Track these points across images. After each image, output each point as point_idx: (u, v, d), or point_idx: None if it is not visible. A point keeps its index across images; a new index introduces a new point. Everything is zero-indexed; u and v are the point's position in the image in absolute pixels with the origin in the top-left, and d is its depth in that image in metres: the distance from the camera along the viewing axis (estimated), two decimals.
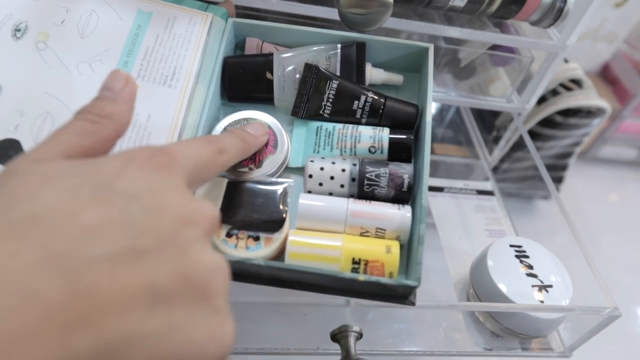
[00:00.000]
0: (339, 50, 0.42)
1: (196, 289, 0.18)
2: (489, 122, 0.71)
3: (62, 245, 0.16)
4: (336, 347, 0.39)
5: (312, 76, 0.40)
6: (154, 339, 0.17)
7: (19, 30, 0.35)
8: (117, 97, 0.24)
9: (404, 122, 0.41)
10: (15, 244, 0.16)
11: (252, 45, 0.43)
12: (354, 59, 0.42)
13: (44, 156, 0.20)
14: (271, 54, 0.41)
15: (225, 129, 0.39)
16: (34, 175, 0.19)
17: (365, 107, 0.40)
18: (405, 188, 0.37)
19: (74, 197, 0.18)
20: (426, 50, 0.43)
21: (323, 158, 0.38)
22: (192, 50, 0.39)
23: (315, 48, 0.42)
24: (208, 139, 0.26)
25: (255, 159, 0.37)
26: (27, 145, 0.32)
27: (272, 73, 0.41)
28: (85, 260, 0.16)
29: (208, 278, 0.19)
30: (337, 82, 0.40)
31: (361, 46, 0.42)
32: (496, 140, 0.69)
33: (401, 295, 0.33)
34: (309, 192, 0.38)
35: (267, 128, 0.37)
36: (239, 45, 0.44)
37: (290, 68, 0.41)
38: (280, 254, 0.36)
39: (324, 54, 0.41)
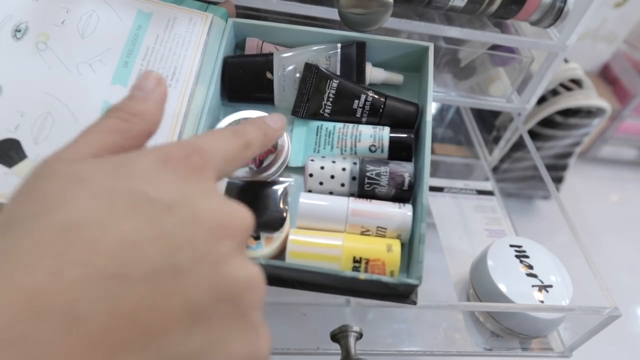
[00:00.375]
0: (339, 50, 0.42)
1: (232, 304, 0.18)
2: (489, 122, 0.71)
3: (102, 263, 0.15)
4: (336, 347, 0.39)
5: (312, 76, 0.40)
6: (193, 359, 0.16)
7: (19, 30, 0.35)
8: (148, 97, 0.23)
9: (404, 121, 0.41)
10: (55, 261, 0.15)
11: (252, 45, 0.43)
12: (354, 58, 0.42)
13: (75, 155, 0.20)
14: (271, 54, 0.41)
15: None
16: (66, 178, 0.18)
17: (366, 107, 0.40)
18: (405, 187, 0.37)
19: (109, 205, 0.17)
20: (426, 49, 0.43)
21: (323, 157, 0.38)
22: (192, 50, 0.39)
23: (315, 48, 0.42)
24: (234, 131, 0.25)
25: (255, 158, 0.37)
26: (27, 145, 0.32)
27: (272, 73, 0.41)
28: (126, 280, 0.15)
29: (243, 293, 0.18)
30: (337, 82, 0.40)
31: (361, 46, 0.42)
32: (496, 140, 0.69)
33: (402, 294, 0.33)
34: (310, 191, 0.38)
35: (285, 120, 0.36)
36: (239, 45, 0.44)
37: (290, 68, 0.41)
38: (280, 253, 0.36)
39: (324, 54, 0.42)
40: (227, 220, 0.19)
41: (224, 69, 0.41)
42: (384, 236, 0.36)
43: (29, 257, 0.15)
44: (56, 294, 0.14)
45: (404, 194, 0.37)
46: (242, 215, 0.20)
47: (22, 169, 0.31)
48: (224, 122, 0.39)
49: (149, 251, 0.16)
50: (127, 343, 0.15)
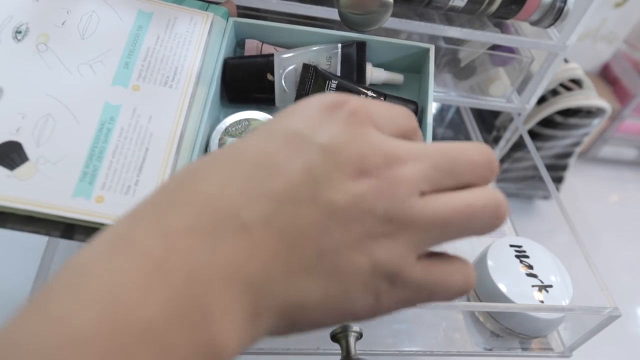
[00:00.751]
0: (339, 50, 0.42)
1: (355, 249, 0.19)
2: (489, 122, 0.71)
3: (259, 182, 0.19)
4: (336, 347, 0.39)
5: (310, 76, 0.40)
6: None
7: (20, 32, 0.35)
8: None
9: None
10: (223, 177, 0.19)
11: (252, 47, 0.43)
12: (355, 58, 0.42)
13: None
14: (271, 55, 0.41)
15: (226, 130, 0.39)
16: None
17: None
18: None
19: (269, 139, 0.20)
20: (427, 51, 0.43)
21: None
22: (193, 50, 0.39)
23: (316, 48, 0.42)
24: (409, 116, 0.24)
25: None
26: (28, 147, 0.32)
27: (272, 74, 0.41)
28: (275, 199, 0.18)
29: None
30: (337, 82, 0.40)
31: (361, 45, 0.42)
32: (496, 140, 0.69)
33: None
34: None
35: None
36: (240, 43, 0.44)
37: (290, 68, 0.41)
38: None
39: (325, 54, 0.42)
40: (368, 166, 0.19)
41: (224, 70, 0.41)
42: None
43: (206, 172, 0.19)
44: (223, 201, 0.18)
45: None
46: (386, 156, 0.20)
47: (24, 171, 0.31)
48: (225, 123, 0.39)
49: (295, 178, 0.19)
50: (279, 251, 0.18)
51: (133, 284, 0.16)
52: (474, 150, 0.21)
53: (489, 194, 0.20)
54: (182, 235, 0.17)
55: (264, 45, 0.43)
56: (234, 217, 0.18)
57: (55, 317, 0.15)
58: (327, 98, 0.21)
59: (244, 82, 0.41)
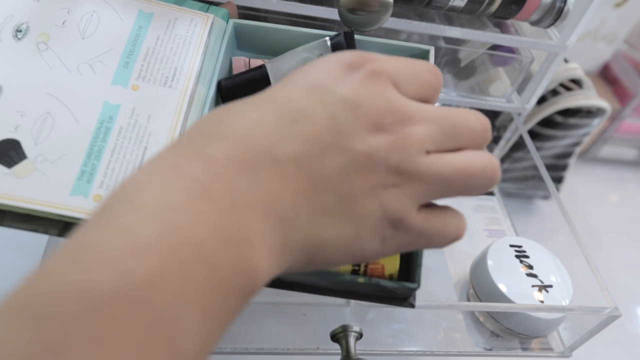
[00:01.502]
0: (329, 44, 0.41)
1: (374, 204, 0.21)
2: (489, 122, 0.71)
3: (287, 123, 0.20)
4: (336, 347, 0.39)
5: None
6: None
7: (20, 31, 0.35)
8: None
9: None
10: (257, 115, 0.20)
11: (240, 65, 0.43)
12: (345, 47, 0.41)
13: None
14: (262, 66, 0.41)
15: None
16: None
17: None
18: None
19: (294, 87, 0.21)
20: (427, 52, 0.43)
21: None
22: (193, 51, 0.39)
23: (305, 47, 0.41)
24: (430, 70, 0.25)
25: None
26: (27, 145, 0.32)
27: (271, 84, 0.40)
28: (301, 139, 0.20)
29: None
30: None
31: (350, 35, 0.41)
32: (496, 140, 0.69)
33: (401, 297, 0.33)
34: None
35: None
36: (240, 41, 0.44)
37: (285, 72, 0.41)
38: None
39: (316, 52, 0.41)
40: (384, 122, 0.21)
41: (220, 92, 0.40)
42: None
43: (240, 110, 0.21)
44: (258, 136, 0.20)
45: None
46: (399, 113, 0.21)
47: (22, 169, 0.31)
48: None
49: (320, 124, 0.20)
50: (306, 189, 0.20)
51: (186, 205, 0.17)
52: (474, 118, 0.23)
53: (488, 157, 0.22)
54: (224, 164, 0.19)
55: (251, 60, 0.43)
56: (268, 152, 0.19)
57: (121, 227, 0.17)
58: (347, 56, 0.22)
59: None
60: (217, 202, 0.18)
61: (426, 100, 0.24)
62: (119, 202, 0.18)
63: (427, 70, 0.24)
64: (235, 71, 0.43)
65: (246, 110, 0.21)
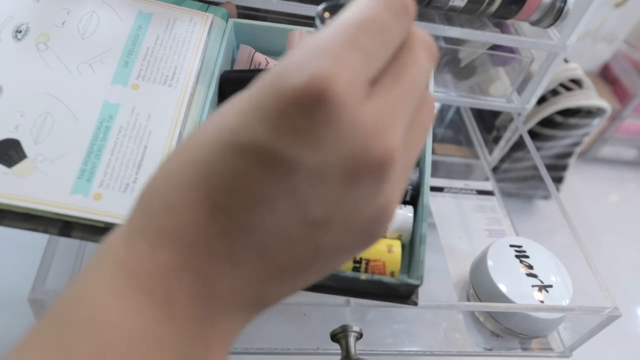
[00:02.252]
0: None
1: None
2: (489, 122, 0.71)
3: (242, 218, 0.18)
4: (336, 347, 0.39)
5: None
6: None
7: (20, 31, 0.35)
8: None
9: None
10: (206, 205, 0.18)
11: (245, 54, 0.43)
12: None
13: None
14: (260, 70, 0.41)
15: None
16: None
17: None
18: (407, 198, 0.37)
19: (241, 158, 0.18)
20: None
21: None
22: (193, 50, 0.39)
23: None
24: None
25: None
26: (27, 145, 0.32)
27: None
28: (265, 235, 0.18)
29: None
30: None
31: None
32: (496, 140, 0.69)
33: (403, 294, 0.33)
34: None
35: None
36: (240, 41, 0.44)
37: None
38: None
39: None
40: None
41: (220, 85, 0.40)
42: (384, 237, 0.36)
43: (185, 193, 0.18)
44: (216, 239, 0.18)
45: (404, 203, 0.37)
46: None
47: (22, 168, 0.31)
48: None
49: (281, 208, 0.17)
50: (275, 275, 0.19)
51: (146, 331, 0.17)
52: (376, 12, 0.18)
53: (415, 59, 0.19)
54: (180, 275, 0.17)
55: (256, 54, 0.43)
56: (226, 254, 0.18)
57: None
58: (297, 92, 0.16)
59: None
60: (179, 324, 0.17)
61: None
62: (63, 325, 0.17)
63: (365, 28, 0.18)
64: (239, 58, 0.43)
65: (194, 197, 0.18)
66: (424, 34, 0.20)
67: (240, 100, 0.18)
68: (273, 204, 0.17)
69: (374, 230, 0.19)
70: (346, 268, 0.34)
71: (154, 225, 0.18)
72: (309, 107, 0.16)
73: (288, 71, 0.16)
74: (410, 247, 0.36)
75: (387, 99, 0.18)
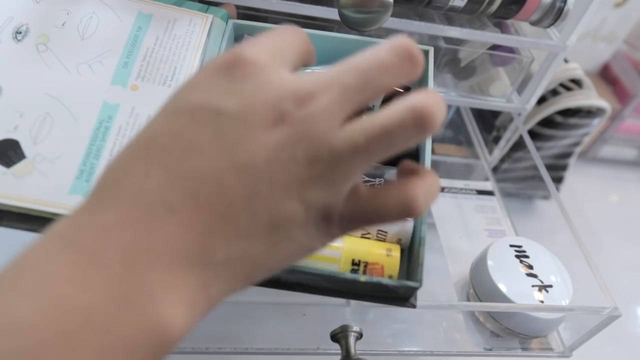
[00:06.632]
0: None
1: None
2: (489, 122, 0.71)
3: (176, 165, 0.19)
4: (336, 347, 0.39)
5: None
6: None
7: (20, 32, 0.35)
8: None
9: None
10: (144, 166, 0.19)
11: None
12: None
13: None
14: None
15: None
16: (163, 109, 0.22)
17: None
18: None
19: (175, 119, 0.20)
20: (426, 53, 0.43)
21: None
22: (192, 51, 0.39)
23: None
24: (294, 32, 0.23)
25: None
26: (26, 145, 0.32)
27: None
28: (196, 178, 0.19)
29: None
30: None
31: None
32: (496, 140, 0.69)
33: (402, 296, 0.33)
34: None
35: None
36: (238, 38, 0.44)
37: None
38: None
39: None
40: (279, 113, 0.19)
41: None
42: (384, 240, 0.36)
43: (132, 165, 0.19)
44: (148, 190, 0.19)
45: None
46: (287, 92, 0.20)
47: (21, 169, 0.31)
48: None
49: (209, 151, 0.19)
50: (214, 229, 0.19)
51: (70, 276, 0.17)
52: (385, 52, 0.20)
53: (406, 106, 0.19)
54: (116, 229, 0.18)
55: None
56: (161, 203, 0.18)
57: (0, 307, 0.16)
58: (218, 60, 0.20)
59: None
60: (108, 267, 0.17)
61: (307, 62, 0.22)
62: (2, 281, 0.17)
63: (293, 34, 0.22)
64: None
65: (133, 163, 0.19)
66: (402, 39, 0.21)
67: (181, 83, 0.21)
68: (202, 148, 0.19)
69: (304, 173, 0.19)
70: (344, 270, 0.34)
71: (96, 196, 0.19)
72: (228, 66, 0.20)
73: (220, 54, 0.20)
74: (410, 249, 0.36)
75: (319, 74, 0.20)
